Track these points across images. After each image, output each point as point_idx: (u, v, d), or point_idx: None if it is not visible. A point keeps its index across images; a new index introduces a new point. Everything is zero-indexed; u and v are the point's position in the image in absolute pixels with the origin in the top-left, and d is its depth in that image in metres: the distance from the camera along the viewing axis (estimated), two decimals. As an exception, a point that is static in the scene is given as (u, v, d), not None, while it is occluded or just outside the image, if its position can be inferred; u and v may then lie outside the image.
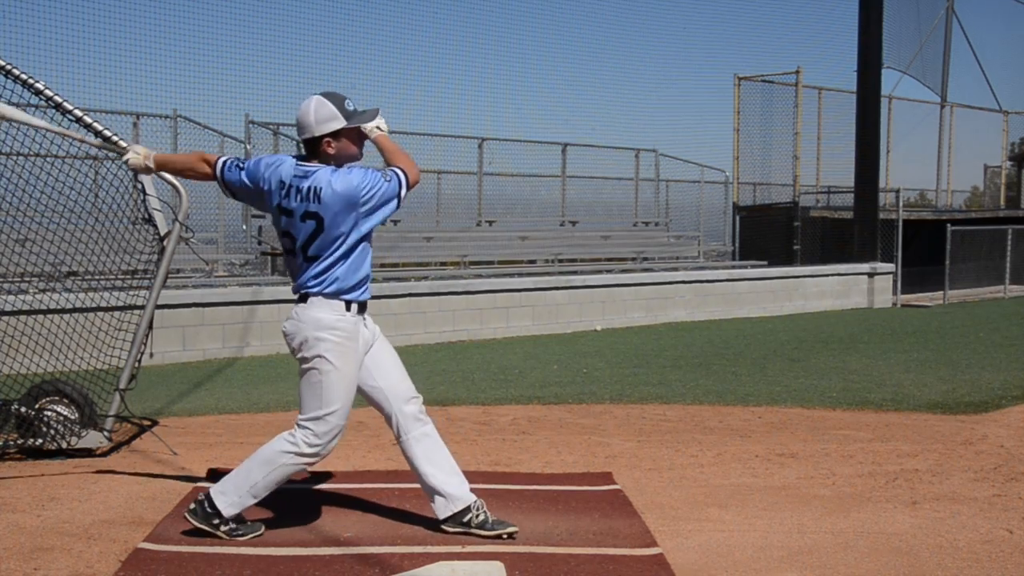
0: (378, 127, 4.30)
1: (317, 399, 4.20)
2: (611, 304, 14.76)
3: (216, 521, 4.31)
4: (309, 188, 4.13)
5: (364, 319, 4.32)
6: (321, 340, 4.17)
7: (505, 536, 4.37)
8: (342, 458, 5.94)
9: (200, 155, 4.53)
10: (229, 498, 4.30)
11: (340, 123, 4.13)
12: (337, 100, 4.15)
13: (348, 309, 4.21)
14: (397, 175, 4.22)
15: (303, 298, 4.23)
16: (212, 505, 4.31)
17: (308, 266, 4.20)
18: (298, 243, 4.20)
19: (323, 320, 4.18)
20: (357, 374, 4.28)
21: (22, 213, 6.38)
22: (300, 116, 4.18)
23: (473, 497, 4.43)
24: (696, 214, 21.42)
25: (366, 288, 4.30)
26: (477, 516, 4.40)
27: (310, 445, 4.22)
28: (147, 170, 4.76)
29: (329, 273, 4.17)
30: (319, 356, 4.17)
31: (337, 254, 4.16)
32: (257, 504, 4.52)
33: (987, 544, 4.42)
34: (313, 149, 4.19)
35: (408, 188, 4.23)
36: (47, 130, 5.67)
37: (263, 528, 4.42)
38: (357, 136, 4.23)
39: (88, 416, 6.08)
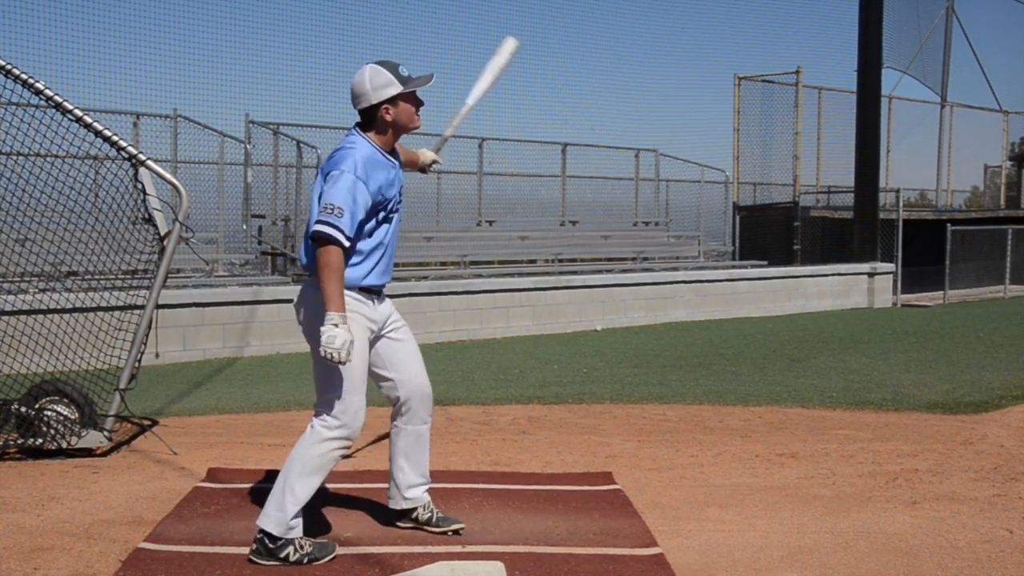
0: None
1: (328, 380, 4.06)
2: (611, 304, 14.76)
3: (275, 547, 4.04)
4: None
5: (375, 301, 4.20)
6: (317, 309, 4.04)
7: (450, 533, 4.42)
8: (342, 458, 5.94)
9: None
10: (272, 517, 4.04)
11: (397, 88, 4.08)
12: (391, 66, 4.11)
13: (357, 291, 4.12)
14: (335, 212, 3.89)
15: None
16: (264, 532, 4.06)
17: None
18: None
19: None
20: (365, 354, 4.14)
21: (22, 213, 6.38)
22: (355, 86, 4.09)
23: (426, 499, 4.49)
24: (696, 214, 21.41)
25: (371, 272, 4.13)
26: (424, 513, 4.48)
27: (329, 428, 4.05)
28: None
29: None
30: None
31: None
32: (258, 504, 4.52)
33: (987, 544, 4.42)
34: (370, 118, 4.13)
35: (327, 232, 3.87)
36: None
37: (336, 548, 4.17)
38: (414, 102, 4.17)
39: (88, 416, 6.08)
